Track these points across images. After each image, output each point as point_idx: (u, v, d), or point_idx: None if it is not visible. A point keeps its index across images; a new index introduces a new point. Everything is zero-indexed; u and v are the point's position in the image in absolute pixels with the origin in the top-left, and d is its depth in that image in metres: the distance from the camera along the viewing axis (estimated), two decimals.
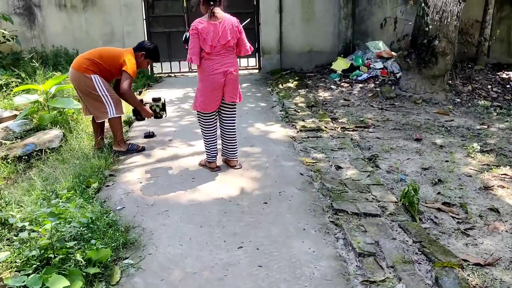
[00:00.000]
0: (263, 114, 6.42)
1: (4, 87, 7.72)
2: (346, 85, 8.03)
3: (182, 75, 8.98)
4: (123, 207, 3.84)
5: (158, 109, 5.23)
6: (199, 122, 4.53)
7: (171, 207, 3.83)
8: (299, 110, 6.54)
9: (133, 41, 8.60)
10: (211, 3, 4.11)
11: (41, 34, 8.99)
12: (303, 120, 6.10)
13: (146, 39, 8.70)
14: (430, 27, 7.11)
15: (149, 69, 8.81)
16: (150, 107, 5.20)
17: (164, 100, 5.32)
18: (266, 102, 7.15)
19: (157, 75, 8.84)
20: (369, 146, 5.32)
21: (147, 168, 4.66)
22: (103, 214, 3.57)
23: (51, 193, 4.02)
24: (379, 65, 8.43)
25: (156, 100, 5.30)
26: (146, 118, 5.26)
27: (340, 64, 8.61)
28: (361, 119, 6.29)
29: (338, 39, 9.07)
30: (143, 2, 8.69)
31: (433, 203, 4.01)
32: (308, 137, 5.51)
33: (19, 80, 7.54)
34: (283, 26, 8.79)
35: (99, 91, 4.79)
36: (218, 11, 4.16)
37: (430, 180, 4.44)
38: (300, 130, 5.71)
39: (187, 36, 4.26)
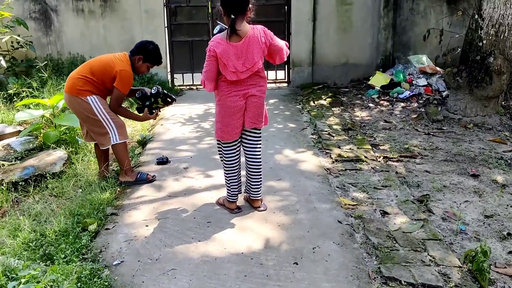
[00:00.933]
0: (292, 138, 5.66)
1: (15, 97, 7.17)
2: (386, 103, 7.20)
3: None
4: (122, 261, 3.14)
5: (161, 104, 4.52)
6: (219, 152, 3.83)
7: (179, 264, 3.10)
8: (333, 134, 5.75)
9: None
10: (232, 16, 3.31)
11: (57, 40, 8.44)
12: (339, 147, 5.32)
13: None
14: (484, 42, 6.25)
15: (170, 81, 8.15)
16: (151, 106, 4.48)
17: (161, 89, 4.53)
18: (295, 122, 6.39)
19: (178, 87, 8.17)
20: (417, 182, 4.51)
21: (156, 205, 3.96)
22: (94, 275, 2.86)
23: (40, 236, 3.36)
24: (422, 81, 7.58)
25: (153, 95, 4.48)
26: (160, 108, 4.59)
27: (379, 79, 7.79)
28: (406, 146, 5.47)
29: (376, 51, 8.25)
30: (165, 9, 8.04)
31: (505, 267, 3.20)
32: (345, 169, 4.73)
33: (31, 90, 6.97)
34: (316, 36, 8.03)
35: (99, 115, 4.12)
36: (241, 26, 3.37)
37: (496, 232, 3.63)
38: (336, 160, 4.93)
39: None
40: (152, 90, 4.41)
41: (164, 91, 4.48)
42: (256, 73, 3.53)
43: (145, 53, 4.23)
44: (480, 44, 6.28)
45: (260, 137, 3.75)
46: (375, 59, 8.27)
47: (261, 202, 3.89)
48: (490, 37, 6.21)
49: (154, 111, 4.44)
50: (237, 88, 3.53)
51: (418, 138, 5.79)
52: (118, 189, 4.28)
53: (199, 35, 8.10)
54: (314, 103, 7.17)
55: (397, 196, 4.14)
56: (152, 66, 4.34)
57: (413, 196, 4.21)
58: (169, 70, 8.15)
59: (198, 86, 8.29)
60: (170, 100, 4.48)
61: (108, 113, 4.17)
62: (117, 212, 3.83)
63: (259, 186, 3.80)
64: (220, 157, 3.84)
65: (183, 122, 6.36)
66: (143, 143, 5.62)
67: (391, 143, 5.62)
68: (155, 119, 4.56)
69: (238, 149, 3.76)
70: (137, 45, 4.32)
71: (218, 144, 3.82)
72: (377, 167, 4.80)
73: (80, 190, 4.30)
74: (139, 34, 7.96)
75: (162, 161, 4.83)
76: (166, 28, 8.06)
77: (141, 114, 4.48)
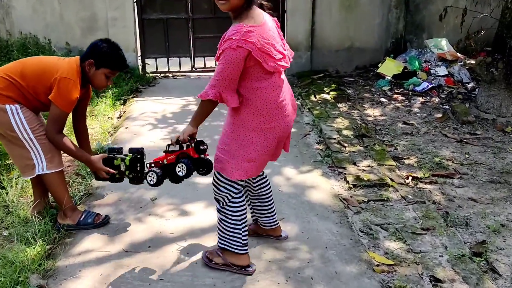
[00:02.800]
0: (293, 149, 4.42)
1: None
2: (401, 97, 5.99)
3: (182, 75, 6.96)
4: None
5: (123, 167, 3.10)
6: (220, 193, 2.64)
7: None
8: (345, 143, 4.53)
9: (120, 31, 6.60)
10: None
11: (6, 17, 7.01)
12: (354, 164, 4.11)
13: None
14: None
15: (140, 67, 6.79)
16: (111, 160, 3.12)
17: (139, 155, 3.06)
18: (295, 125, 5.11)
19: (150, 74, 6.82)
20: (465, 218, 3.36)
21: (105, 269, 2.73)
22: None
23: None
24: (442, 70, 6.37)
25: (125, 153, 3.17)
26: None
27: (390, 67, 6.56)
28: (437, 159, 4.29)
29: (386, 33, 6.99)
30: None
31: None
32: (368, 200, 3.53)
33: None
34: (316, 14, 6.72)
35: (19, 132, 2.87)
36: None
37: None
38: (354, 185, 3.72)
39: None
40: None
41: (146, 164, 2.96)
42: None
43: (97, 55, 2.93)
44: None
45: None
46: (385, 43, 7.01)
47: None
48: None
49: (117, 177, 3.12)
50: (285, 98, 2.54)
51: (449, 147, 4.61)
52: (55, 236, 3.02)
53: (175, 12, 6.74)
54: (315, 97, 5.92)
55: (446, 248, 2.97)
56: (113, 73, 3.03)
57: (465, 243, 3.04)
58: (139, 54, 6.80)
59: (174, 74, 6.95)
60: (139, 179, 3.10)
61: (34, 131, 2.90)
62: (44, 285, 2.57)
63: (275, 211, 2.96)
64: (222, 201, 2.66)
65: (154, 124, 5.07)
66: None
67: (417, 154, 4.42)
68: (104, 178, 3.15)
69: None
70: (89, 46, 3.02)
71: (223, 184, 2.59)
72: (409, 195, 3.61)
73: (7, 233, 3.05)
74: (103, 10, 6.57)
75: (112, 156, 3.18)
76: (135, 3, 6.67)
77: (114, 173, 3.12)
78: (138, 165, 3.03)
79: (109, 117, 5.43)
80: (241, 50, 2.29)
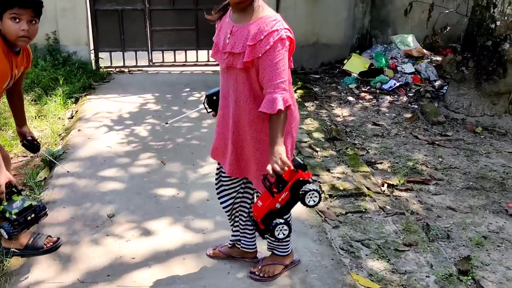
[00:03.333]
0: None
1: None
2: (368, 96, 5.81)
3: (139, 70, 6.52)
4: None
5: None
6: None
7: None
8: (317, 147, 4.30)
9: (70, 23, 6.09)
10: None
11: None
12: (328, 170, 3.88)
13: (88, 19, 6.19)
14: (498, 23, 4.96)
15: (93, 61, 6.31)
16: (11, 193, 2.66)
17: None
18: None
19: (104, 70, 6.35)
20: (446, 230, 3.23)
21: None
22: None
23: None
24: (409, 68, 6.24)
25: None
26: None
27: (356, 64, 6.38)
28: (410, 163, 4.13)
29: (352, 29, 6.79)
30: None
31: None
32: (346, 212, 3.31)
33: None
34: (281, 8, 6.42)
35: None
36: None
37: None
38: (330, 196, 3.49)
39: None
40: None
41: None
42: None
43: None
44: (493, 26, 5.00)
45: None
46: (351, 39, 6.82)
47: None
48: (506, 17, 4.91)
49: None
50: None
51: (421, 149, 4.46)
52: None
53: (131, 2, 6.28)
54: None
55: (432, 267, 2.79)
56: (17, 13, 2.37)
57: (449, 259, 2.87)
58: (92, 47, 6.30)
59: (130, 69, 6.51)
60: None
61: None
62: None
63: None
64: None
65: (109, 126, 4.66)
66: (50, 162, 3.91)
67: (390, 158, 4.25)
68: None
69: None
70: None
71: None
72: (387, 205, 3.42)
73: None
74: (51, 1, 6.02)
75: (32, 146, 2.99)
76: None
77: None
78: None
79: (59, 118, 4.98)
80: (288, 41, 2.08)
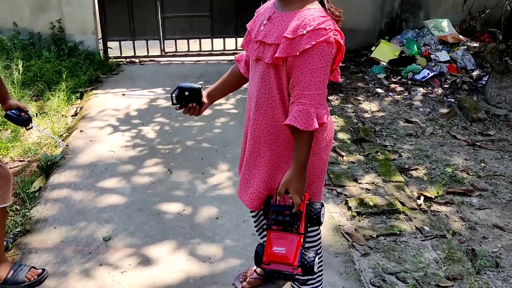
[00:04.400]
0: None
1: None
2: (399, 88, 5.28)
3: (151, 60, 6.09)
4: None
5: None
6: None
7: None
8: (342, 151, 3.83)
9: (76, 10, 5.68)
10: None
11: None
12: (356, 180, 3.42)
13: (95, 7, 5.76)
14: None
15: (101, 51, 5.90)
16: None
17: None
18: None
19: (113, 60, 5.93)
20: (493, 256, 2.77)
21: None
22: None
23: None
24: (443, 55, 5.67)
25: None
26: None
27: (385, 52, 5.83)
28: (449, 170, 3.64)
29: (380, 12, 6.21)
30: None
31: None
32: (377, 235, 2.84)
33: None
34: None
35: None
36: None
37: None
38: (358, 213, 3.03)
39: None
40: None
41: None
42: None
43: None
44: None
45: None
46: (379, 23, 6.25)
47: None
48: None
49: None
50: None
51: (461, 152, 3.95)
52: None
53: None
54: None
55: None
56: None
57: None
58: (99, 36, 5.88)
59: (141, 59, 6.08)
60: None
61: None
62: None
63: None
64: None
65: (115, 126, 4.26)
66: (46, 169, 3.54)
67: (426, 163, 3.76)
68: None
69: None
70: None
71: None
72: (425, 226, 2.95)
73: None
74: None
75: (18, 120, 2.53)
76: None
77: None
78: None
79: (62, 115, 4.60)
80: (335, 47, 1.65)
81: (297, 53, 1.60)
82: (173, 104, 1.90)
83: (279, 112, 1.75)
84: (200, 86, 1.90)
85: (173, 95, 1.89)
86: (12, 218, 3.00)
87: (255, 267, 2.39)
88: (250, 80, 1.85)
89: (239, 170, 2.05)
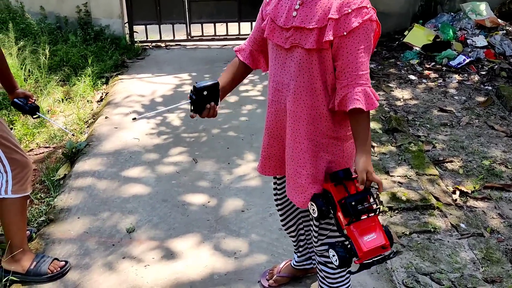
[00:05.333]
0: None
1: None
2: (433, 74, 5.07)
3: (177, 45, 6.00)
4: None
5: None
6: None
7: None
8: (373, 141, 3.68)
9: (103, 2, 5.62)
10: None
11: None
12: (387, 173, 3.27)
13: None
14: None
15: (127, 35, 5.83)
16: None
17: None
18: None
19: (139, 44, 5.87)
20: None
21: None
22: None
23: None
24: (480, 41, 5.41)
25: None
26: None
27: (418, 36, 5.60)
28: (486, 163, 3.45)
29: None
30: None
31: None
32: (410, 232, 2.71)
33: None
34: None
35: None
36: None
37: None
38: (390, 208, 2.89)
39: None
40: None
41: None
42: None
43: None
44: None
45: None
46: (412, 6, 6.01)
47: None
48: None
49: None
50: None
51: (499, 144, 3.75)
52: None
53: None
54: None
55: None
56: None
57: None
58: (125, 20, 5.81)
59: (167, 43, 6.00)
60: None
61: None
62: None
63: None
64: None
65: (140, 112, 4.21)
66: (71, 156, 3.51)
67: (461, 155, 3.58)
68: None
69: None
70: None
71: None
72: (461, 223, 2.79)
73: None
74: None
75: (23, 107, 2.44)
76: None
77: None
78: None
79: (88, 101, 4.57)
80: (376, 27, 1.59)
81: (345, 33, 1.52)
82: (192, 111, 1.72)
83: (320, 99, 1.65)
84: (217, 81, 1.75)
85: (192, 98, 1.70)
86: (36, 206, 2.97)
87: (281, 265, 2.30)
88: (278, 70, 1.72)
89: (260, 169, 1.93)
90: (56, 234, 2.67)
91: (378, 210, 1.61)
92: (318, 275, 2.00)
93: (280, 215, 2.10)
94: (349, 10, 1.51)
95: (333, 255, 1.60)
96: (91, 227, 2.73)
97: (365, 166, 1.58)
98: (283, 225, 2.13)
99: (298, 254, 2.23)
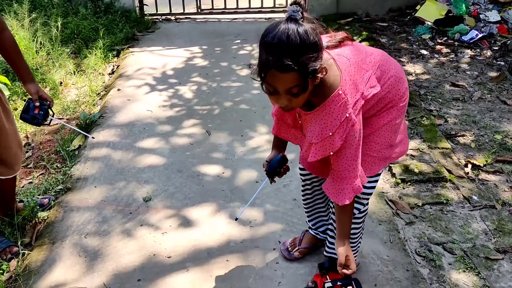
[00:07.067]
0: None
1: None
2: (445, 49, 5.03)
3: (187, 18, 5.97)
4: None
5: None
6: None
7: None
8: None
9: None
10: None
11: None
12: None
13: None
14: None
15: (137, 8, 5.80)
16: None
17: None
18: None
19: (149, 17, 5.84)
20: None
21: None
22: None
23: None
24: (494, 16, 5.35)
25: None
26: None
27: (431, 11, 5.54)
28: (498, 136, 3.46)
29: None
30: None
31: None
32: (422, 204, 2.74)
33: None
34: None
35: None
36: None
37: None
38: (402, 180, 2.93)
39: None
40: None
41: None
42: None
43: None
44: None
45: None
46: None
47: None
48: None
49: None
50: None
51: (511, 118, 3.75)
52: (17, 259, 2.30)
53: None
54: None
55: None
56: None
57: None
58: None
59: (177, 16, 5.97)
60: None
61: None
62: None
63: None
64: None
65: (152, 85, 4.22)
66: (85, 127, 3.54)
67: (473, 129, 3.59)
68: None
69: None
70: None
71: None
72: (473, 195, 2.82)
73: None
74: None
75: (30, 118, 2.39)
76: None
77: None
78: None
79: (100, 73, 4.58)
80: (359, 117, 1.62)
81: (331, 153, 1.62)
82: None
83: None
84: (282, 154, 1.90)
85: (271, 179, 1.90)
86: (53, 176, 3.01)
87: (301, 236, 2.33)
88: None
89: (274, 130, 1.98)
90: (74, 202, 2.72)
91: None
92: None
93: (304, 190, 2.14)
94: (330, 134, 1.57)
95: None
96: (108, 195, 2.78)
97: (346, 250, 1.76)
98: (308, 200, 2.17)
99: (314, 227, 2.27)
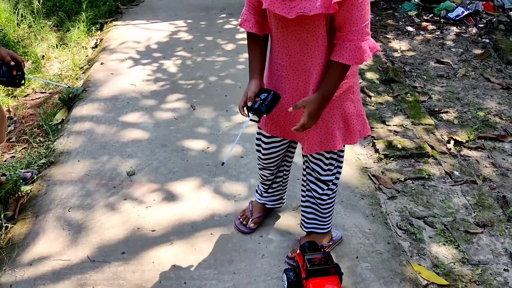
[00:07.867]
0: None
1: None
2: (430, 26, 5.04)
3: None
4: None
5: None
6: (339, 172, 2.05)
7: None
8: (370, 92, 3.71)
9: None
10: None
11: None
12: (384, 122, 3.32)
13: None
14: None
15: None
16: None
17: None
18: None
19: None
20: None
21: None
22: None
23: None
24: None
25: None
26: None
27: None
28: (481, 114, 3.50)
29: None
30: None
31: None
32: (405, 178, 2.78)
33: None
34: None
35: None
36: None
37: None
38: (385, 156, 2.95)
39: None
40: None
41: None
42: None
43: None
44: None
45: None
46: None
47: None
48: None
49: None
50: None
51: (494, 96, 3.80)
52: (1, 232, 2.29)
53: None
54: None
55: (511, 255, 2.27)
56: None
57: None
58: None
59: None
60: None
61: None
62: None
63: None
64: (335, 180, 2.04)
65: (135, 59, 4.16)
66: (68, 101, 3.50)
67: (457, 106, 3.62)
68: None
69: None
70: None
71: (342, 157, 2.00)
72: (454, 170, 2.86)
73: None
74: None
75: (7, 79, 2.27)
76: None
77: None
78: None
79: (83, 47, 4.50)
80: None
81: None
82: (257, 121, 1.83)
83: (326, 57, 1.67)
84: (273, 91, 1.78)
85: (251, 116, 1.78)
86: (36, 150, 2.98)
87: (250, 207, 2.35)
88: (284, 42, 1.69)
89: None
90: (57, 176, 2.70)
91: (332, 270, 1.86)
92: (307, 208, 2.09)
93: (264, 154, 2.09)
94: None
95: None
96: (91, 169, 2.76)
97: (308, 101, 1.67)
98: (265, 164, 2.13)
99: (267, 194, 2.29)
